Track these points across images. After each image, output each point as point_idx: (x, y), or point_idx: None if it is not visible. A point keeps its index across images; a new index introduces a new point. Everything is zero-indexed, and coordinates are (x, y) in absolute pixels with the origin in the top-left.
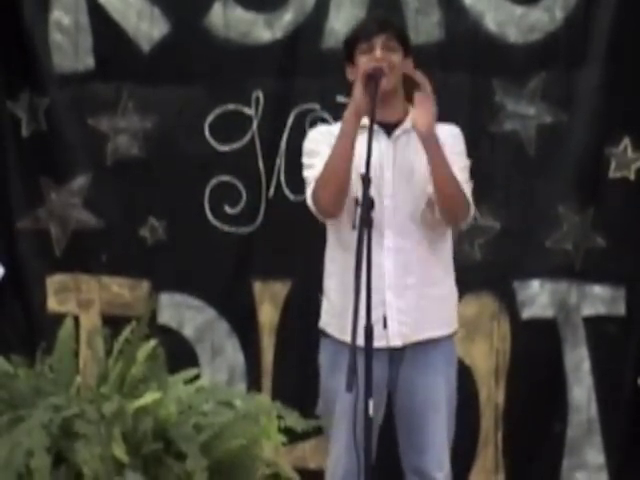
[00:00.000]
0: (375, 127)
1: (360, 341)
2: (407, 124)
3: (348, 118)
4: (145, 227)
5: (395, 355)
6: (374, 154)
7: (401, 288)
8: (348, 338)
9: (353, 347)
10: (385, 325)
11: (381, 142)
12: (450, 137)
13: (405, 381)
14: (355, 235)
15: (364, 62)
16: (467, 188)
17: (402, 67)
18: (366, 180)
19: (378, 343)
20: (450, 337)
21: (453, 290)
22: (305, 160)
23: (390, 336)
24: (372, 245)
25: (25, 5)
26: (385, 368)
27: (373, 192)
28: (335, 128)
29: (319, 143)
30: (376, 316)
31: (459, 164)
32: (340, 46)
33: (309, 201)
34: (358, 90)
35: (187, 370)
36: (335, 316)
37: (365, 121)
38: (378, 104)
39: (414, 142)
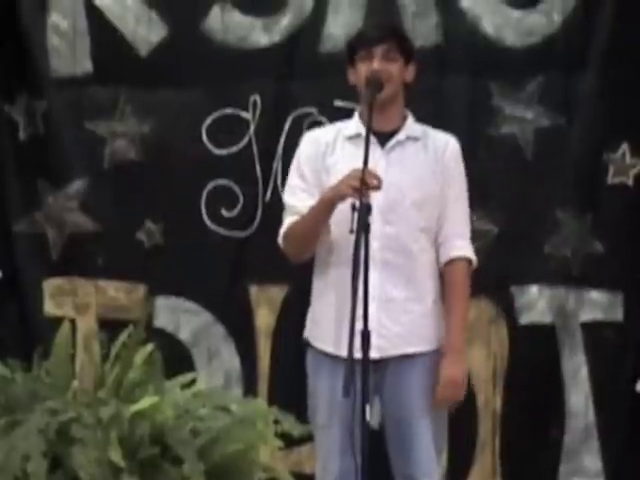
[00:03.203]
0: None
1: (330, 348)
2: (402, 135)
3: (327, 201)
4: (142, 231)
5: (380, 365)
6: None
7: (384, 301)
8: (329, 348)
9: (350, 353)
10: None
11: (374, 152)
12: (454, 161)
13: (391, 391)
14: (346, 241)
15: (364, 70)
16: (468, 229)
17: (403, 75)
18: (363, 185)
19: (358, 354)
20: (435, 351)
21: (437, 307)
22: (290, 177)
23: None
24: (361, 254)
25: (23, 8)
26: (370, 377)
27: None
28: (329, 132)
29: (307, 163)
30: (358, 326)
31: (463, 200)
32: (338, 50)
33: (280, 241)
34: (343, 182)
35: (183, 374)
36: (317, 326)
37: (358, 129)
38: (373, 113)
39: (408, 153)
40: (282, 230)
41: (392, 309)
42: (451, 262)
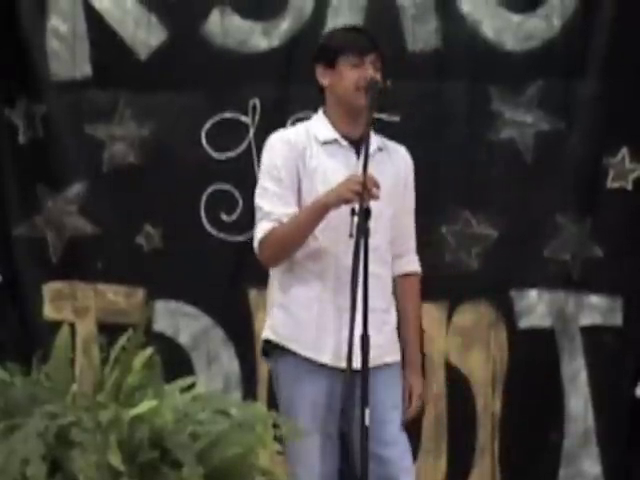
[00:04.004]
0: (345, 143)
1: (324, 358)
2: (372, 142)
3: (321, 206)
4: (141, 234)
5: (358, 374)
6: (342, 172)
7: (367, 311)
8: (325, 358)
9: (349, 359)
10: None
11: (350, 159)
12: (411, 173)
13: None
14: (340, 247)
15: (355, 76)
16: (414, 242)
17: None
18: (364, 190)
19: (342, 363)
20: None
21: None
22: (263, 180)
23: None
24: (344, 264)
25: (22, 12)
26: (352, 386)
27: (343, 209)
28: (300, 135)
29: (284, 166)
30: (343, 336)
31: (412, 216)
32: None
33: (255, 246)
34: (343, 186)
35: (182, 378)
36: (301, 331)
37: (332, 134)
38: (347, 119)
39: (378, 163)
40: (258, 235)
41: (373, 319)
42: (408, 275)
